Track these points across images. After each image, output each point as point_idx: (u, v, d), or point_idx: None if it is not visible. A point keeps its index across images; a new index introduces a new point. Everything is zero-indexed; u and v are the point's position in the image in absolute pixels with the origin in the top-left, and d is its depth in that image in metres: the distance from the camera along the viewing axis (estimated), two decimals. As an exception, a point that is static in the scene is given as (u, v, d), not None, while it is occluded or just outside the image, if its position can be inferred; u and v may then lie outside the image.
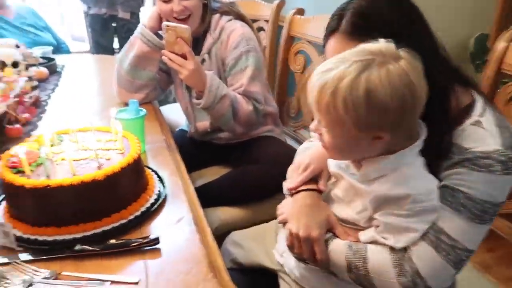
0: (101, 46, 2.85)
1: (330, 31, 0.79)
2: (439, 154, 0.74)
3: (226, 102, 1.33)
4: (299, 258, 0.84)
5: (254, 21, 1.90)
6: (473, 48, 2.11)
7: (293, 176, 0.89)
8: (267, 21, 1.94)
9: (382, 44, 0.67)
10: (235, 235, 1.15)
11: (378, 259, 0.74)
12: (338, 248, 0.77)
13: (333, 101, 0.66)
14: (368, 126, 0.67)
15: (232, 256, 1.07)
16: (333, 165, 0.83)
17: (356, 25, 0.75)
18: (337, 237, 0.79)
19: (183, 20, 1.38)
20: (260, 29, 1.97)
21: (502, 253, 1.97)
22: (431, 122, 0.73)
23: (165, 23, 1.25)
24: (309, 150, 0.91)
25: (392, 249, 0.74)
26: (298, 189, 0.86)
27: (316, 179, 0.86)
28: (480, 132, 0.72)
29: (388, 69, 0.64)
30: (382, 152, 0.72)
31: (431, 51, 0.75)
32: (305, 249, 0.79)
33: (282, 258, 0.94)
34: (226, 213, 1.38)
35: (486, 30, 2.18)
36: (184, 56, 1.27)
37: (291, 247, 0.83)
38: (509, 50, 1.04)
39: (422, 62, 0.68)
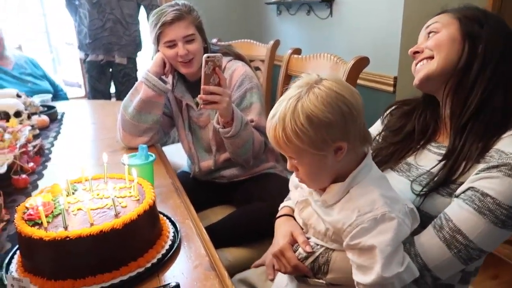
0: (98, 91, 2.90)
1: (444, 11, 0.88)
2: (480, 156, 0.77)
3: (250, 128, 1.36)
4: (296, 277, 0.87)
5: (250, 61, 1.95)
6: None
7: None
8: (262, 60, 2.00)
9: (304, 76, 0.78)
10: (239, 275, 1.17)
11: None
12: (340, 256, 0.79)
13: (287, 137, 0.74)
14: (323, 143, 0.74)
15: None
16: (297, 195, 0.89)
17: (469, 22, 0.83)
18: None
19: (186, 63, 1.43)
20: (256, 68, 2.03)
21: (507, 279, 1.96)
22: (487, 125, 0.79)
23: (206, 55, 1.23)
24: None
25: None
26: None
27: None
28: None
29: (314, 92, 0.73)
30: (354, 160, 0.78)
31: None
32: (284, 262, 0.85)
33: None
34: (233, 254, 1.36)
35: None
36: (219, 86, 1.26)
37: (279, 270, 0.88)
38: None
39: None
